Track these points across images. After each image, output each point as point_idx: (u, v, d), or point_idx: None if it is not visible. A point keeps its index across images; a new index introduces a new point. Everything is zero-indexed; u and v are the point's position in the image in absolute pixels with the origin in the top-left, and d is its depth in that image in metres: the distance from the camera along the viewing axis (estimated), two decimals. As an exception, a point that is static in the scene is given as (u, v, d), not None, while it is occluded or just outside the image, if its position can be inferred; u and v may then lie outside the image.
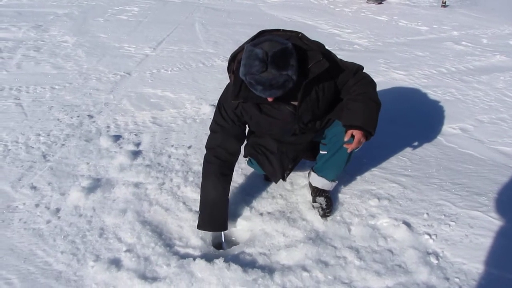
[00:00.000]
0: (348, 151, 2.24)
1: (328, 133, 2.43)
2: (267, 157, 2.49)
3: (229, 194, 2.49)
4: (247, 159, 2.65)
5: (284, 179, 2.56)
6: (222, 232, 2.43)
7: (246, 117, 2.29)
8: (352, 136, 2.17)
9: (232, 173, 2.47)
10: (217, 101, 2.40)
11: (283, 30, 2.13)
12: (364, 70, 2.33)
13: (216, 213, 2.38)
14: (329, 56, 2.18)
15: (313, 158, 2.66)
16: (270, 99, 2.05)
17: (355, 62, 2.33)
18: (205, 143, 2.44)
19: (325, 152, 2.47)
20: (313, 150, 2.65)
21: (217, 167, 2.36)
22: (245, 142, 2.58)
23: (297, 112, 2.21)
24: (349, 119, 2.19)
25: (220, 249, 2.39)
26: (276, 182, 2.71)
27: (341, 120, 2.25)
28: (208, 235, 2.44)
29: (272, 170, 2.51)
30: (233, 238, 2.53)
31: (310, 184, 2.68)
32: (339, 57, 2.31)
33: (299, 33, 2.13)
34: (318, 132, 2.48)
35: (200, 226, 2.39)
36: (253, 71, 1.85)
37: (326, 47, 2.22)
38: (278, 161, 2.47)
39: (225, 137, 2.35)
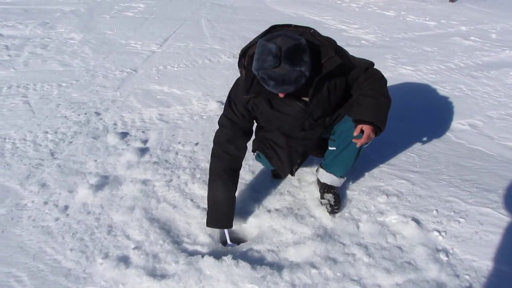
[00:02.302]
0: (357, 145, 2.22)
1: (337, 129, 2.42)
2: (275, 151, 2.47)
3: (237, 191, 2.48)
4: (255, 154, 2.64)
5: (292, 173, 2.55)
6: (226, 230, 2.42)
7: (256, 112, 2.28)
8: (362, 131, 2.15)
9: (240, 169, 2.46)
10: (224, 97, 2.39)
11: (295, 26, 2.12)
12: (374, 66, 2.31)
13: (224, 210, 2.37)
14: (341, 52, 2.16)
15: (321, 155, 2.65)
16: (281, 95, 2.04)
17: (366, 59, 2.31)
18: (212, 140, 2.42)
19: (334, 148, 2.46)
20: (321, 147, 2.64)
21: (226, 162, 2.35)
22: (253, 137, 2.57)
23: (308, 108, 2.20)
24: (359, 114, 2.18)
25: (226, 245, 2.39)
26: (284, 177, 2.71)
27: (351, 115, 2.24)
28: (216, 232, 2.44)
29: (280, 165, 2.49)
30: (240, 235, 2.52)
31: (319, 181, 2.66)
32: (347, 53, 2.29)
33: (311, 29, 2.11)
34: (327, 127, 2.46)
35: (209, 224, 2.39)
36: (266, 66, 1.85)
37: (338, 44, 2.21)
38: (287, 156, 2.46)
39: (235, 132, 2.33)
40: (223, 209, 2.36)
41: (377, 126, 2.15)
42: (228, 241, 2.39)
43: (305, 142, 2.48)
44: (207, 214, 2.39)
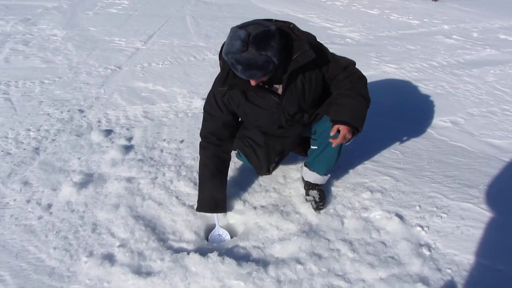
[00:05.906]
0: (333, 145, 2.22)
1: (318, 128, 2.43)
2: (253, 149, 2.49)
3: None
4: (236, 152, 2.65)
5: (269, 172, 2.57)
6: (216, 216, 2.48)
7: (233, 105, 2.30)
8: (338, 131, 2.16)
9: (228, 156, 2.51)
10: None
11: (275, 20, 2.13)
12: (356, 66, 2.32)
13: (213, 194, 2.44)
14: (319, 48, 2.17)
15: (305, 154, 2.67)
16: (253, 83, 2.06)
17: (347, 57, 2.32)
18: (197, 137, 2.44)
19: (316, 147, 2.48)
20: (304, 145, 2.65)
21: (211, 151, 2.43)
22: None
23: (281, 101, 2.21)
24: (337, 114, 2.19)
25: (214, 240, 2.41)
26: (261, 175, 2.72)
27: (328, 115, 2.25)
28: (202, 229, 2.44)
29: (257, 163, 2.52)
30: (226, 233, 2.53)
31: (303, 178, 2.68)
32: (331, 51, 2.30)
33: (291, 23, 2.13)
34: (306, 126, 2.48)
35: (199, 208, 2.45)
36: (234, 50, 1.89)
37: (318, 40, 2.22)
38: (264, 154, 2.48)
39: (215, 125, 2.39)
40: (211, 193, 2.44)
41: (354, 127, 2.15)
42: (218, 225, 2.45)
43: (283, 140, 2.49)
44: (197, 199, 2.48)
